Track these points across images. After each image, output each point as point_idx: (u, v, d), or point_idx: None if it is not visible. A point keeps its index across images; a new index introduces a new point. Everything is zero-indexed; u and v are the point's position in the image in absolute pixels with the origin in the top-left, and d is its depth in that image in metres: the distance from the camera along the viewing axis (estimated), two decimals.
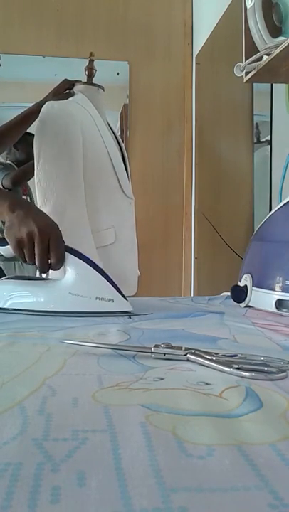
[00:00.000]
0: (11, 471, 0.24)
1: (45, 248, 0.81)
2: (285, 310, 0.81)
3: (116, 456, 0.26)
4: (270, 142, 1.72)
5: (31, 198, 2.41)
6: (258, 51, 1.07)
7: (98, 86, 1.50)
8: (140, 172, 2.39)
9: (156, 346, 0.49)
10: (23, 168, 2.17)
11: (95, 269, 0.84)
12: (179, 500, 0.22)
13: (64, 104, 1.41)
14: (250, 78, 1.15)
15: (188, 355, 0.47)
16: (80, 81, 1.50)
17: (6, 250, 0.87)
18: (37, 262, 0.82)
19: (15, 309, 0.84)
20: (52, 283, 0.87)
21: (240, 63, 1.13)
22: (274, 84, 1.61)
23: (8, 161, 2.32)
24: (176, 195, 2.58)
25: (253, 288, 0.88)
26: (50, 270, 0.87)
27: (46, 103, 1.40)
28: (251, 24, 1.09)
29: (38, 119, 1.39)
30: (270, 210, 1.19)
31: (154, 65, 2.56)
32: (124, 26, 2.51)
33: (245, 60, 1.12)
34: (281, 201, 0.93)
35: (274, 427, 0.31)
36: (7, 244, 0.85)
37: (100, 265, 0.89)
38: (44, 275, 0.86)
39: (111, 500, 0.22)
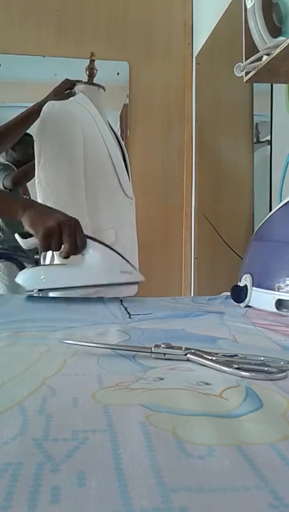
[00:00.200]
0: (11, 471, 0.24)
1: (72, 235, 0.92)
2: (285, 310, 0.81)
3: (116, 456, 0.26)
4: (270, 142, 1.72)
5: (30, 198, 2.41)
6: (258, 51, 1.07)
7: (99, 86, 1.50)
8: (140, 172, 2.39)
9: (156, 346, 0.49)
10: (24, 169, 2.17)
11: (113, 250, 0.99)
12: (179, 500, 0.22)
13: (65, 104, 1.41)
14: (250, 78, 1.15)
15: (188, 355, 0.47)
16: (81, 81, 1.50)
17: (27, 242, 0.98)
18: (66, 247, 0.92)
19: (53, 288, 0.97)
20: (81, 264, 0.97)
21: (240, 63, 1.13)
22: (274, 84, 1.61)
23: (6, 162, 2.32)
24: (176, 195, 2.58)
25: (253, 288, 0.88)
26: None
27: (47, 103, 1.40)
28: (251, 24, 1.09)
29: (38, 119, 1.39)
30: (270, 210, 1.19)
31: (154, 65, 2.56)
32: (124, 26, 2.51)
33: (245, 60, 1.12)
34: (281, 201, 0.93)
35: (274, 427, 0.31)
36: (28, 237, 0.96)
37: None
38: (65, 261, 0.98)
39: (111, 500, 0.22)
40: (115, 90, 2.50)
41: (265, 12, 1.06)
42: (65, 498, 0.22)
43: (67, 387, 0.39)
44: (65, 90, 1.48)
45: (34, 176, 1.82)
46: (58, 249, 0.93)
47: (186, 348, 0.48)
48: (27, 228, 0.96)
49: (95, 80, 1.51)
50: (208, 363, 0.45)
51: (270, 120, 1.69)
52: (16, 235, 1.01)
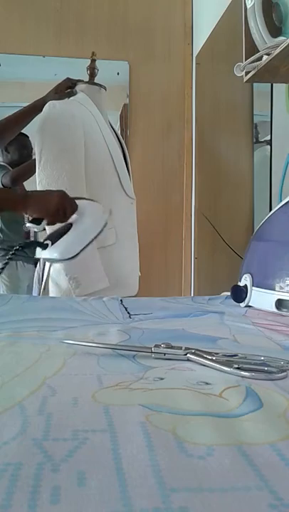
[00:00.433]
0: (11, 471, 0.24)
1: (69, 205, 1.11)
2: (285, 310, 0.80)
3: (116, 456, 0.26)
4: (269, 142, 1.72)
5: None
6: (258, 51, 1.07)
7: (100, 85, 1.50)
8: (140, 172, 2.39)
9: (156, 346, 0.49)
10: (23, 167, 2.17)
11: (91, 200, 1.21)
12: (179, 500, 0.22)
13: (66, 104, 1.41)
14: (250, 78, 1.15)
15: (188, 355, 0.47)
16: (82, 80, 1.50)
17: (41, 226, 1.11)
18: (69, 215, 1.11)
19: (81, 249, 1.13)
20: (78, 223, 1.14)
21: (240, 63, 1.13)
22: (274, 84, 1.60)
23: (2, 163, 2.32)
24: (176, 195, 2.58)
25: (253, 288, 0.88)
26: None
27: (48, 103, 1.40)
28: (251, 24, 1.09)
29: (39, 119, 1.39)
30: (270, 210, 1.19)
31: (154, 65, 2.56)
32: (124, 26, 2.51)
33: (245, 60, 1.12)
34: (281, 201, 0.93)
35: (274, 427, 0.31)
36: (39, 223, 1.09)
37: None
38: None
39: (111, 500, 0.22)
40: (115, 90, 2.50)
41: (265, 12, 1.06)
42: (65, 498, 0.22)
43: (67, 387, 0.39)
44: (65, 89, 1.48)
45: (32, 174, 1.82)
46: (65, 220, 1.11)
47: (186, 348, 0.48)
48: (35, 215, 1.10)
49: (96, 80, 1.51)
50: (209, 362, 0.45)
51: (270, 120, 1.68)
52: (29, 224, 1.12)
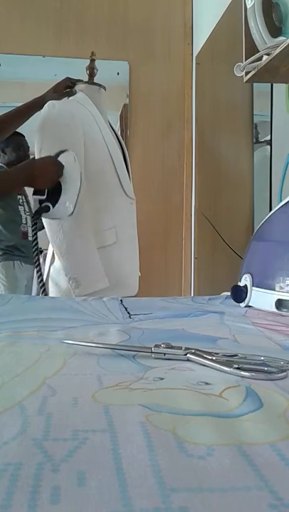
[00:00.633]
0: (11, 471, 0.24)
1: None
2: (285, 310, 0.80)
3: (116, 456, 0.26)
4: (270, 142, 1.72)
5: (25, 197, 2.41)
6: (258, 51, 1.07)
7: (100, 85, 1.50)
8: (140, 172, 2.39)
9: (156, 346, 0.49)
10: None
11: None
12: (179, 500, 0.22)
13: (65, 104, 1.41)
14: (250, 78, 1.15)
15: (188, 355, 0.47)
16: (82, 80, 1.50)
17: (44, 197, 1.25)
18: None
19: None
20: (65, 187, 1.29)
21: (240, 63, 1.13)
22: (274, 84, 1.60)
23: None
24: (176, 195, 2.58)
25: (253, 288, 0.88)
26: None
27: (47, 103, 1.40)
28: (251, 24, 1.09)
29: (39, 119, 1.39)
30: (270, 210, 1.19)
31: (154, 65, 2.56)
32: (124, 26, 2.51)
33: (245, 60, 1.12)
34: (281, 201, 0.93)
35: (274, 427, 0.31)
36: (43, 193, 1.24)
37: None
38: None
39: (111, 500, 0.22)
40: (115, 90, 2.50)
41: (265, 12, 1.06)
42: (65, 498, 0.22)
43: (67, 387, 0.39)
44: (64, 88, 1.48)
45: None
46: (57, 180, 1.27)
47: (186, 348, 0.48)
48: (37, 187, 1.26)
49: (95, 80, 1.51)
50: (209, 362, 0.45)
51: (270, 120, 1.68)
52: (34, 196, 1.26)
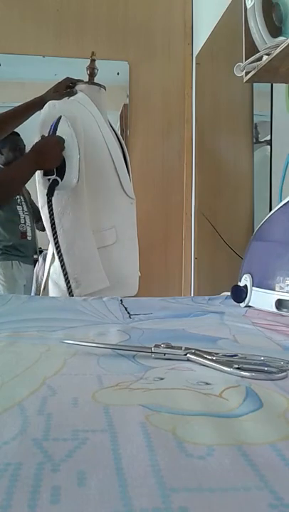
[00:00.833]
0: (11, 471, 0.24)
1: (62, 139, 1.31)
2: (285, 310, 0.80)
3: (116, 456, 0.26)
4: (270, 142, 1.72)
5: (24, 197, 2.41)
6: (258, 51, 1.07)
7: (100, 85, 1.50)
8: (140, 172, 2.39)
9: (156, 346, 0.49)
10: None
11: None
12: (179, 500, 0.22)
13: (65, 104, 1.41)
14: (250, 78, 1.14)
15: (188, 355, 0.47)
16: (82, 80, 1.50)
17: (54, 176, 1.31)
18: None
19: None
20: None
21: (240, 63, 1.13)
22: (274, 84, 1.60)
23: None
24: (176, 195, 2.58)
25: (253, 288, 0.88)
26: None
27: (48, 103, 1.40)
28: (251, 24, 1.09)
29: (39, 119, 1.40)
30: (270, 210, 1.19)
31: (154, 65, 2.56)
32: (124, 26, 2.51)
33: (245, 60, 1.12)
34: (281, 201, 0.93)
35: (274, 427, 0.31)
36: (53, 173, 1.30)
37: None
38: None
39: (111, 500, 0.22)
40: (115, 90, 2.50)
41: (265, 12, 1.06)
42: (65, 498, 0.22)
43: (67, 387, 0.39)
44: (65, 88, 1.48)
45: None
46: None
47: (186, 348, 0.48)
48: (43, 169, 1.31)
49: (96, 80, 1.51)
50: (209, 362, 0.45)
51: (270, 120, 1.68)
52: (47, 177, 1.31)
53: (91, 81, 1.50)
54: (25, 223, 2.38)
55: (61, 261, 1.33)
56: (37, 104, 1.42)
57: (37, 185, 1.39)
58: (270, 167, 1.68)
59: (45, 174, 1.31)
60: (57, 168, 1.30)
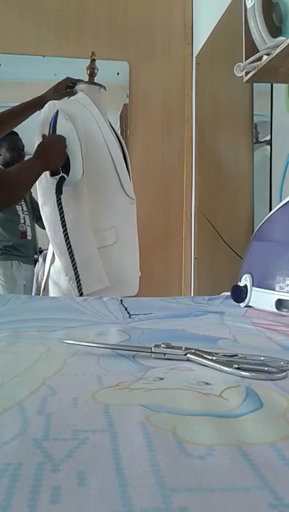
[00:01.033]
0: (11, 471, 0.24)
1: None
2: (285, 310, 0.80)
3: (116, 456, 0.26)
4: (270, 142, 1.72)
5: (24, 197, 2.41)
6: (258, 51, 1.07)
7: (100, 85, 1.50)
8: (140, 172, 2.39)
9: (156, 346, 0.49)
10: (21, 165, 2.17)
11: None
12: (179, 500, 0.22)
13: (65, 104, 1.41)
14: (250, 78, 1.14)
15: (188, 355, 0.47)
16: (82, 80, 1.50)
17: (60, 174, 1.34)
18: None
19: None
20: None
21: (240, 63, 1.13)
22: (274, 84, 1.60)
23: None
24: (176, 195, 2.58)
25: (253, 288, 0.88)
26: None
27: (48, 103, 1.40)
28: (251, 24, 1.09)
29: (40, 119, 1.40)
30: (270, 210, 1.19)
31: (154, 65, 2.56)
32: (124, 26, 2.51)
33: (245, 60, 1.12)
34: (281, 201, 0.93)
35: (274, 427, 0.31)
36: (59, 172, 1.34)
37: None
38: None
39: (111, 500, 0.22)
40: (115, 90, 2.50)
41: (265, 12, 1.06)
42: (65, 498, 0.22)
43: (67, 387, 0.39)
44: (65, 88, 1.48)
45: None
46: None
47: (186, 348, 0.48)
48: (49, 169, 1.33)
49: (95, 80, 1.51)
50: (209, 362, 0.45)
51: (270, 120, 1.68)
52: (54, 177, 1.33)
53: (91, 81, 1.50)
54: (24, 223, 2.38)
55: (71, 256, 1.34)
56: (36, 104, 1.42)
57: (37, 184, 1.39)
58: (270, 167, 1.68)
59: (51, 174, 1.33)
60: (62, 165, 1.33)
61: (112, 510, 0.21)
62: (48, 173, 1.34)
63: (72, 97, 1.46)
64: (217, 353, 0.47)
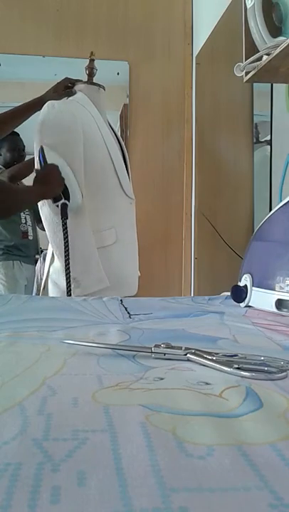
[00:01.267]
0: (11, 471, 0.24)
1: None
2: (285, 310, 0.80)
3: (116, 456, 0.26)
4: (270, 142, 1.72)
5: None
6: (258, 51, 1.07)
7: (99, 85, 1.50)
8: (140, 172, 2.39)
9: (156, 346, 0.49)
10: (21, 165, 2.17)
11: None
12: (179, 500, 0.22)
13: (65, 104, 1.41)
14: (250, 78, 1.14)
15: (188, 355, 0.47)
16: (81, 80, 1.50)
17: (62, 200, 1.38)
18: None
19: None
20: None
21: (240, 63, 1.13)
22: (274, 84, 1.60)
23: None
24: (176, 195, 2.58)
25: (253, 288, 0.88)
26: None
27: (47, 103, 1.40)
28: (251, 24, 1.09)
29: (39, 119, 1.40)
30: (270, 210, 1.19)
31: (154, 65, 2.56)
32: (124, 26, 2.51)
33: (245, 60, 1.12)
34: (281, 201, 0.93)
35: (274, 427, 0.31)
36: (60, 197, 1.37)
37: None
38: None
39: (111, 500, 0.22)
40: (115, 90, 2.50)
41: (265, 12, 1.06)
42: (65, 498, 0.22)
43: (67, 387, 0.39)
44: (64, 88, 1.48)
45: (30, 172, 1.82)
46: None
47: (186, 348, 0.48)
48: (48, 198, 1.37)
49: (95, 80, 1.51)
50: (209, 362, 0.45)
51: (270, 120, 1.68)
52: (56, 204, 1.37)
53: (90, 81, 1.50)
54: (26, 223, 2.38)
55: (71, 257, 1.35)
56: (36, 105, 1.42)
57: None
58: (270, 167, 1.68)
59: (54, 201, 1.37)
60: (62, 192, 1.36)
61: (112, 510, 0.21)
62: (49, 200, 1.38)
63: (71, 97, 1.46)
64: (217, 353, 0.47)
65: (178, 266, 2.59)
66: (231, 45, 1.54)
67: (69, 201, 1.36)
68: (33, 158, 1.42)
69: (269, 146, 1.72)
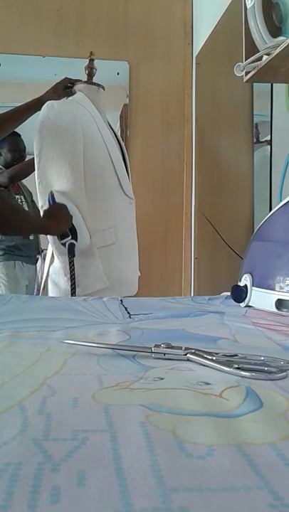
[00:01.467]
0: (11, 471, 0.24)
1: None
2: (285, 310, 0.80)
3: (116, 456, 0.26)
4: (270, 142, 1.72)
5: (24, 197, 2.41)
6: (258, 51, 1.07)
7: (98, 85, 1.50)
8: (140, 172, 2.39)
9: (156, 346, 0.49)
10: (21, 166, 2.17)
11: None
12: (179, 500, 0.22)
13: (64, 104, 1.41)
14: (250, 78, 1.14)
15: (188, 355, 0.47)
16: (81, 80, 1.50)
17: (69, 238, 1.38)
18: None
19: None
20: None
21: (240, 63, 1.13)
22: (274, 84, 1.60)
23: None
24: (176, 195, 2.58)
25: (253, 288, 0.88)
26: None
27: (46, 103, 1.40)
28: (251, 24, 1.09)
29: (38, 119, 1.40)
30: (270, 210, 1.19)
31: (154, 65, 2.56)
32: (124, 26, 2.51)
33: (245, 60, 1.12)
34: (281, 201, 0.93)
35: (274, 427, 0.31)
36: (68, 234, 1.37)
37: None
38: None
39: (111, 500, 0.22)
40: (115, 90, 2.50)
41: (265, 12, 1.06)
42: (65, 498, 0.22)
43: (67, 387, 0.39)
44: (64, 88, 1.48)
45: (30, 173, 1.82)
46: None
47: (186, 348, 0.48)
48: (53, 234, 1.39)
49: (95, 80, 1.51)
50: (209, 362, 0.45)
51: (270, 120, 1.68)
52: (63, 241, 1.37)
53: (90, 81, 1.50)
54: None
55: (70, 257, 1.35)
56: (36, 105, 1.42)
57: (37, 186, 1.39)
58: (270, 167, 1.68)
59: (61, 238, 1.38)
60: (70, 230, 1.37)
61: (112, 510, 0.21)
62: (57, 238, 1.39)
63: (70, 97, 1.46)
64: (217, 353, 0.47)
65: (178, 266, 2.59)
66: (231, 45, 1.55)
67: (76, 241, 1.37)
68: (33, 158, 1.42)
69: (269, 146, 1.72)
